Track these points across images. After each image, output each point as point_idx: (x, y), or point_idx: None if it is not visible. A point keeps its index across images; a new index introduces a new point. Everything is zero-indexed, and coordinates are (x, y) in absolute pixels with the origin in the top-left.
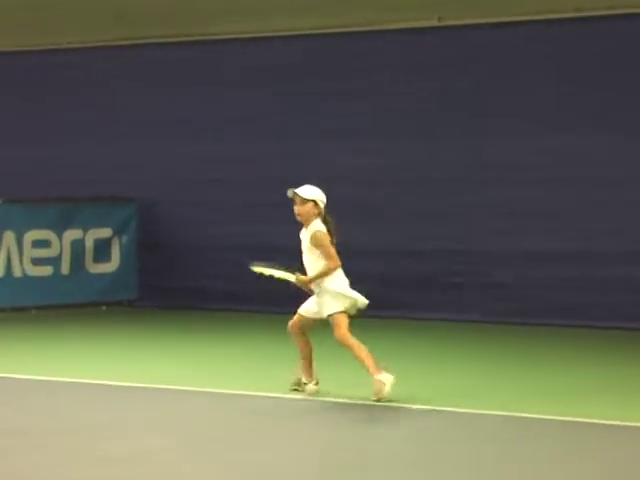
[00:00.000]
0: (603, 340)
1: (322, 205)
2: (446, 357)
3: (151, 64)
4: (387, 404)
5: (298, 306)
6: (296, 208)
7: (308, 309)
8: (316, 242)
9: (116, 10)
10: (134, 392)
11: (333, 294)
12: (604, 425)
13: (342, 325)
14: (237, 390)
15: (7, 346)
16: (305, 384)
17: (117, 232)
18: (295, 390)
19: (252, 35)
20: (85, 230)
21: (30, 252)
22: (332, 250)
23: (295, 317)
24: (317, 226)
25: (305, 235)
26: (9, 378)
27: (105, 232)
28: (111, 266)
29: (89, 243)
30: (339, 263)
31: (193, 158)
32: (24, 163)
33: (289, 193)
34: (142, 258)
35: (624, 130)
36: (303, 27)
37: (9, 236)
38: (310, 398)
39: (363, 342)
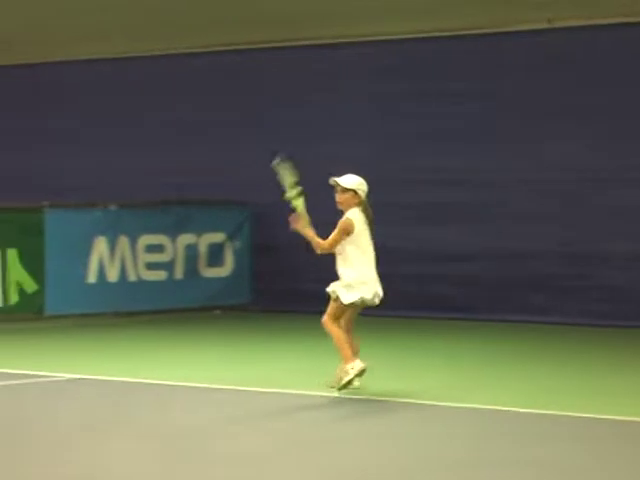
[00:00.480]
0: None
1: (362, 195)
2: (553, 360)
3: (275, 67)
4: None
5: (409, 309)
6: (337, 196)
7: None
8: (338, 225)
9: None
10: (247, 395)
11: (345, 285)
12: None
13: (330, 312)
14: (349, 395)
15: (122, 350)
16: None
17: (230, 236)
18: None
19: (366, 38)
20: (199, 235)
21: (144, 257)
22: (337, 238)
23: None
24: (350, 214)
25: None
26: (122, 382)
27: (218, 237)
28: (224, 270)
29: (202, 248)
30: (330, 250)
31: (306, 161)
32: (137, 169)
33: (331, 181)
34: (255, 262)
35: None
36: (411, 31)
37: (123, 241)
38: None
39: (486, 346)
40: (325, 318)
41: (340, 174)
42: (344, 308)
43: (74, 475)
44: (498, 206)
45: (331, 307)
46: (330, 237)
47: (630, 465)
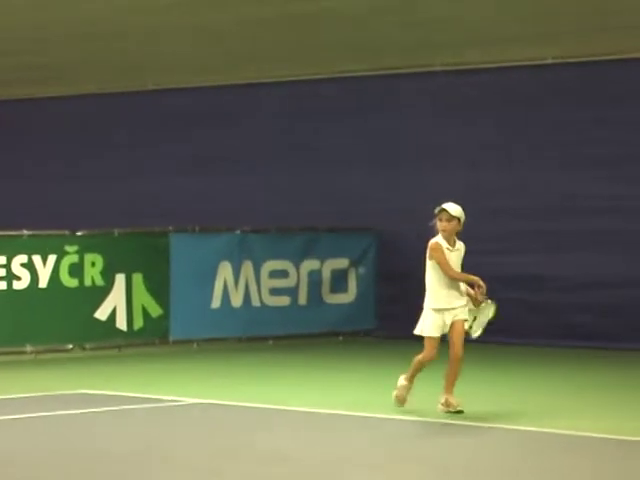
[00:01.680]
0: None
1: (462, 223)
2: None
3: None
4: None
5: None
6: (441, 224)
7: None
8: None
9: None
10: (373, 422)
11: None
12: None
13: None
14: (476, 422)
15: (245, 375)
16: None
17: (354, 262)
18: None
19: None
20: (322, 260)
21: (268, 282)
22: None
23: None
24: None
25: (458, 247)
26: (248, 407)
27: (342, 262)
28: (348, 296)
29: (326, 273)
30: None
31: (427, 187)
32: (261, 193)
33: (436, 210)
34: (379, 288)
35: None
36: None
37: (247, 266)
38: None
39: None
40: (462, 351)
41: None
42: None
43: None
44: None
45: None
46: (444, 262)
47: None
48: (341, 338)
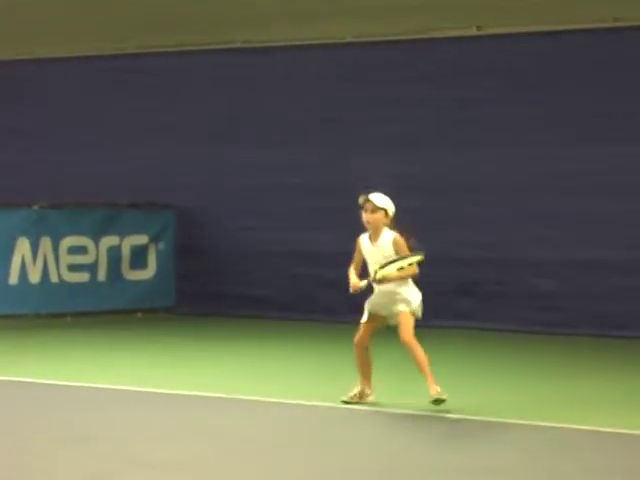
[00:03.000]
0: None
1: (391, 215)
2: (482, 367)
3: (199, 70)
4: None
5: (334, 312)
6: (366, 215)
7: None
8: (399, 248)
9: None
10: (169, 399)
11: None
12: None
13: (413, 329)
14: (274, 398)
15: (43, 352)
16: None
17: (154, 239)
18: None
19: (288, 43)
20: (122, 237)
21: (66, 258)
22: None
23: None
24: (393, 233)
25: (381, 243)
26: (44, 384)
27: (142, 239)
28: (147, 273)
29: (126, 250)
30: None
31: (229, 165)
32: (59, 169)
33: (360, 200)
34: (179, 265)
35: None
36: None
37: (46, 242)
38: (343, 406)
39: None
40: (410, 336)
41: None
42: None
43: None
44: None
45: (412, 324)
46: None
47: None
48: (140, 315)
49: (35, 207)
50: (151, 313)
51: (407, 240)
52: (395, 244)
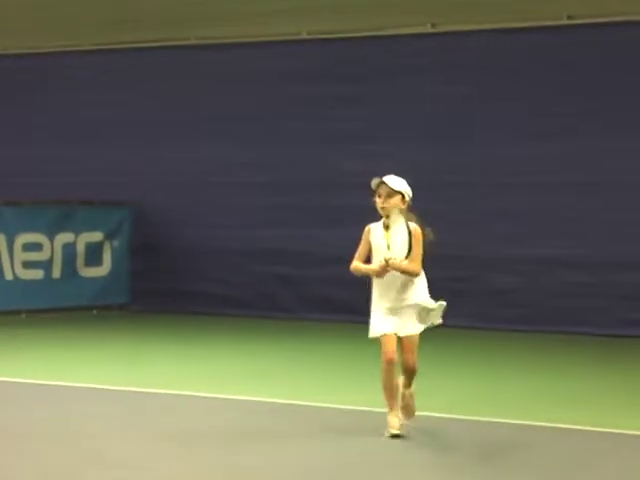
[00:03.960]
0: (605, 346)
1: (408, 200)
2: (446, 364)
3: (143, 68)
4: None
5: (293, 309)
6: (380, 201)
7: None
8: (416, 241)
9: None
10: (124, 396)
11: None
12: (613, 433)
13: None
14: (232, 394)
15: None
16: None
17: (109, 236)
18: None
19: (255, 39)
20: (77, 233)
21: (21, 255)
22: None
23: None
24: (411, 224)
25: (397, 233)
26: None
27: (97, 236)
28: (102, 270)
29: (81, 247)
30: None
31: (185, 162)
32: (14, 165)
33: (374, 183)
34: (134, 262)
35: (634, 134)
36: (299, 32)
37: (0, 239)
38: (297, 402)
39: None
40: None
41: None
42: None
43: None
44: None
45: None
46: (417, 255)
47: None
48: (95, 312)
49: None
50: (105, 310)
51: (423, 232)
52: (413, 236)
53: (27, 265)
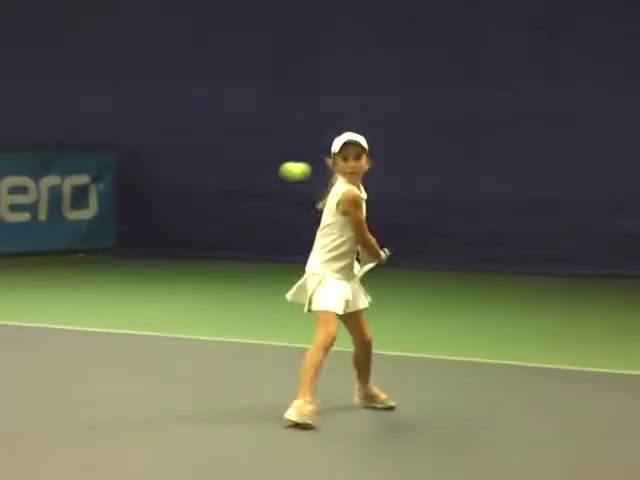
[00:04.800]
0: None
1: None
2: (403, 305)
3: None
4: None
5: (277, 252)
6: (350, 164)
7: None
8: (350, 203)
9: None
10: (106, 338)
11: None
12: (562, 370)
13: None
14: (219, 337)
15: None
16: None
17: (95, 179)
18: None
19: None
20: (63, 177)
21: (7, 199)
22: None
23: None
24: (347, 186)
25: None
26: None
27: (83, 178)
28: (88, 213)
29: (66, 189)
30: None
31: (175, 104)
32: (3, 107)
33: (337, 144)
34: (120, 205)
35: (594, 76)
36: None
37: None
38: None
39: None
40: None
41: None
42: None
43: None
44: None
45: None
46: (362, 220)
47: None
48: (82, 255)
49: None
50: (91, 254)
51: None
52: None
53: (13, 208)
